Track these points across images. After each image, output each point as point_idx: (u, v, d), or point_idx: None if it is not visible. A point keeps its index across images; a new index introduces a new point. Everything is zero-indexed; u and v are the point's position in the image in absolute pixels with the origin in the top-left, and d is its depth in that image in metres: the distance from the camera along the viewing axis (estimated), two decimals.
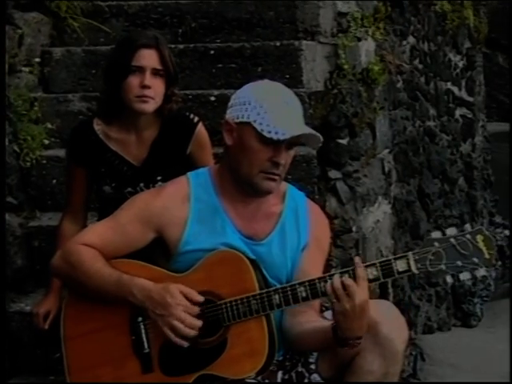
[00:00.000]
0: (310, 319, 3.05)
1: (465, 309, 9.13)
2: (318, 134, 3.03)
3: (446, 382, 5.87)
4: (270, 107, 2.96)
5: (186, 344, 2.92)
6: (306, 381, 3.12)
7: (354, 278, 2.81)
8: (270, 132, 2.92)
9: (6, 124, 4.24)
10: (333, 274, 2.89)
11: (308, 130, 3.02)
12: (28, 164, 4.36)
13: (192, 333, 2.91)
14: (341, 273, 2.85)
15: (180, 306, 2.91)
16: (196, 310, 2.93)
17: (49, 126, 4.56)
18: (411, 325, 6.94)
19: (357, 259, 2.88)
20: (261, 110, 2.96)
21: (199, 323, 2.91)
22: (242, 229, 3.10)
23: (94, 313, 3.10)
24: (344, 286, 2.79)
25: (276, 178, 3.02)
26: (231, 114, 3.04)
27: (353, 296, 2.77)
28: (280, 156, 2.98)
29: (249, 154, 2.98)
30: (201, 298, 2.93)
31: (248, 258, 3.01)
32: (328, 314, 3.19)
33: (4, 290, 3.37)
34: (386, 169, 6.04)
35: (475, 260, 2.83)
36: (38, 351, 3.70)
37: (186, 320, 2.90)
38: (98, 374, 3.08)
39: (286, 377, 3.15)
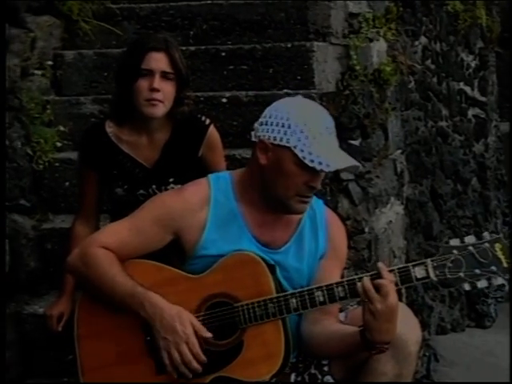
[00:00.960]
0: (333, 326, 3.05)
1: (479, 309, 9.10)
2: (359, 164, 3.03)
3: (449, 382, 5.77)
4: (311, 133, 2.93)
5: (174, 376, 2.93)
6: (319, 382, 3.14)
7: None
8: (312, 161, 2.89)
9: (19, 127, 4.26)
10: (351, 279, 2.91)
11: (352, 163, 3.00)
12: (41, 167, 4.37)
13: (185, 371, 2.91)
14: (367, 276, 2.85)
15: (186, 338, 2.90)
16: (200, 355, 2.91)
17: (61, 128, 4.57)
18: (424, 326, 6.94)
19: (380, 264, 2.88)
20: (301, 135, 2.92)
21: (197, 366, 2.90)
22: (259, 236, 3.10)
23: (107, 313, 3.09)
24: (376, 287, 2.78)
25: (309, 200, 3.04)
26: (266, 134, 2.98)
27: (386, 296, 2.77)
28: (317, 182, 2.99)
29: (286, 177, 2.96)
30: (209, 335, 2.93)
31: (265, 261, 3.01)
32: (341, 315, 3.20)
33: (4, 292, 3.36)
34: (399, 169, 6.03)
35: (493, 268, 2.83)
36: (52, 353, 3.71)
37: (185, 356, 2.90)
38: (112, 374, 3.08)
39: (299, 379, 3.16)
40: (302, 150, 2.90)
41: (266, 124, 3.00)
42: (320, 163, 2.89)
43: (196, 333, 2.92)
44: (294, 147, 2.91)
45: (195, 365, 2.90)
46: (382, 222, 5.26)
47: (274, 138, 2.95)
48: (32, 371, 3.89)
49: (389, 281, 2.80)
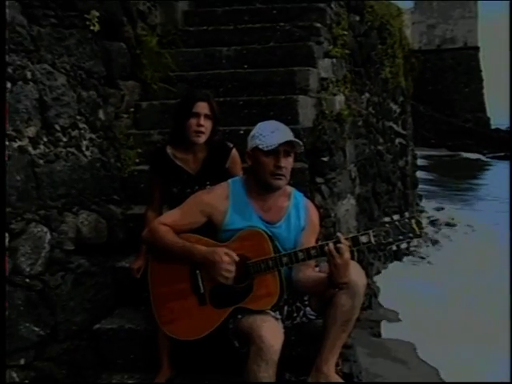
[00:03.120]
0: (311, 274, 3.03)
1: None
2: (297, 140, 2.99)
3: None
4: (265, 134, 2.98)
5: (230, 281, 2.92)
6: (301, 312, 3.10)
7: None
8: (267, 146, 2.93)
9: (113, 150, 4.21)
10: (321, 244, 2.88)
11: (288, 138, 2.98)
12: (126, 175, 4.32)
13: (231, 276, 2.91)
14: (331, 242, 2.82)
15: (223, 261, 2.89)
16: (235, 258, 2.91)
17: (139, 150, 4.51)
18: (368, 275, 6.91)
19: (339, 234, 2.85)
20: (261, 137, 2.98)
21: (234, 269, 2.90)
22: (263, 216, 3.06)
23: (167, 268, 3.09)
24: (336, 249, 2.77)
25: (281, 177, 2.99)
26: (248, 146, 3.04)
27: (343, 254, 2.76)
28: (280, 161, 2.96)
29: (261, 165, 2.97)
30: (237, 258, 2.90)
31: (266, 233, 2.97)
32: (316, 269, 3.15)
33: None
34: (353, 176, 6.01)
35: (410, 235, 2.85)
36: (134, 291, 3.63)
37: (226, 268, 2.89)
38: (172, 306, 3.07)
39: (290, 309, 3.14)
40: (262, 144, 2.95)
41: (248, 143, 3.06)
42: (270, 146, 2.92)
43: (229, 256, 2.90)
44: (258, 145, 2.96)
45: (231, 277, 2.90)
46: (342, 210, 5.22)
47: (251, 147, 3.02)
48: (121, 302, 3.83)
49: (345, 245, 2.78)
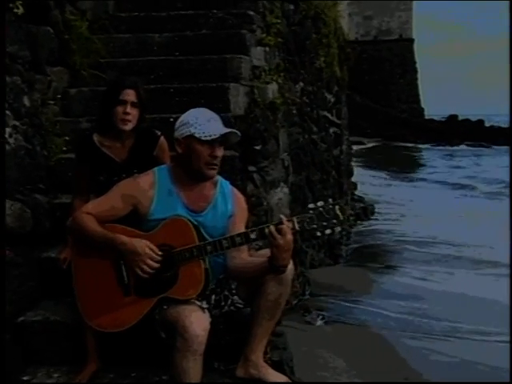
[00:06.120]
0: (248, 258, 3.01)
1: (336, 253, 9.25)
2: (236, 131, 2.98)
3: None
4: (201, 122, 2.92)
5: (147, 276, 2.88)
6: (229, 301, 3.07)
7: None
8: (206, 136, 2.89)
9: (39, 137, 4.08)
10: (246, 232, 2.86)
11: (228, 130, 2.96)
12: (53, 163, 4.20)
13: (151, 271, 2.87)
14: (272, 224, 2.80)
15: (146, 254, 2.86)
16: (156, 256, 2.88)
17: (66, 138, 4.39)
18: (302, 263, 6.97)
19: (282, 216, 2.83)
20: (196, 125, 2.92)
21: (156, 265, 2.87)
22: (188, 205, 3.01)
23: (91, 258, 3.02)
24: (278, 230, 2.74)
25: (215, 167, 2.97)
26: (178, 133, 2.97)
27: (285, 234, 2.74)
28: (215, 151, 2.93)
29: (196, 154, 2.92)
30: (159, 253, 2.88)
31: (191, 222, 2.93)
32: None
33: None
34: (286, 164, 6.02)
35: (334, 221, 2.82)
36: (60, 281, 3.53)
37: (148, 263, 2.86)
38: (96, 298, 3.01)
39: (217, 298, 3.10)
40: (199, 132, 2.90)
41: (177, 129, 2.99)
42: (210, 135, 2.89)
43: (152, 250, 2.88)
44: (194, 133, 2.91)
45: (151, 271, 2.87)
46: (275, 199, 5.22)
47: (182, 134, 2.95)
48: (47, 294, 3.71)
49: (286, 226, 2.76)
